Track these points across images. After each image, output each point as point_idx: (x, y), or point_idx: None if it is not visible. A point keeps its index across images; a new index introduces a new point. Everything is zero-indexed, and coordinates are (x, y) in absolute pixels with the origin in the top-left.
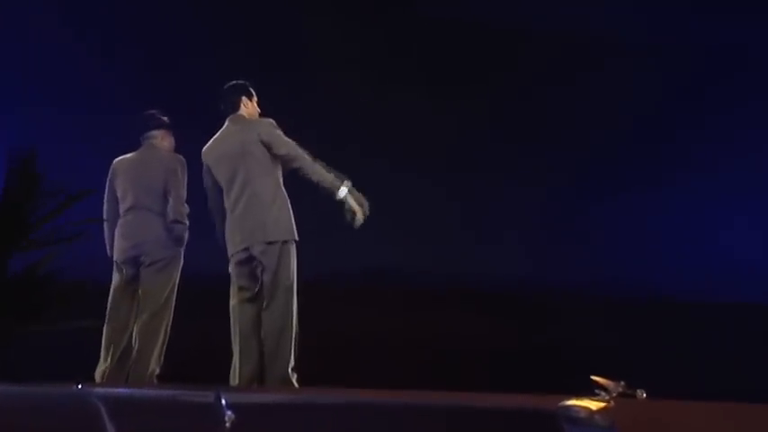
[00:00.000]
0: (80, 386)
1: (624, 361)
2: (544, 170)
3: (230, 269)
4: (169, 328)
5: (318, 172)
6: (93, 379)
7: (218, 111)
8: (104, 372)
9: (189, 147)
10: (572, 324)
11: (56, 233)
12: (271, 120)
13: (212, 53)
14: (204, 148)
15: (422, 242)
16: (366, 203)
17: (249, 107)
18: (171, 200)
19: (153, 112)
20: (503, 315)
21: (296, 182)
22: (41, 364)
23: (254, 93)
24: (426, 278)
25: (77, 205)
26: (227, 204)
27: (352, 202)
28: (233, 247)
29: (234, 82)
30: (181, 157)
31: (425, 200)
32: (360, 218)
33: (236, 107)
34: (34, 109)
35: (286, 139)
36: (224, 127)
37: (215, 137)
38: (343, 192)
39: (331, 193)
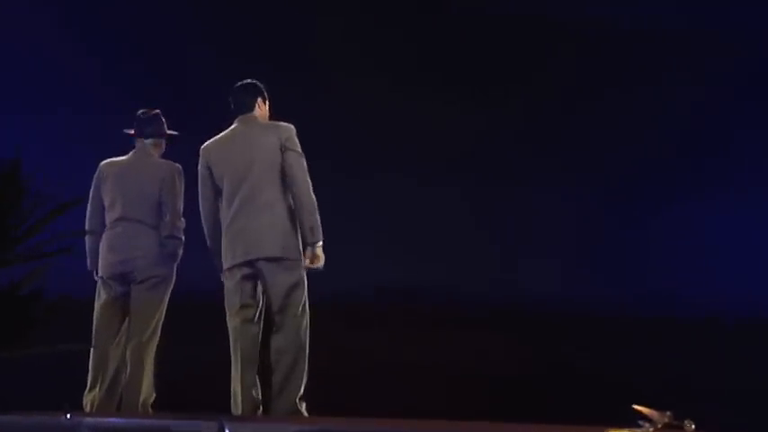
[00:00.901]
0: (69, 416)
1: (670, 388)
2: (578, 179)
3: (228, 284)
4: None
5: (312, 209)
6: (81, 407)
7: (210, 112)
8: (93, 399)
9: (177, 149)
10: (610, 347)
11: (42, 246)
12: (292, 126)
13: (213, 51)
14: (206, 145)
15: (440, 258)
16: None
17: (263, 109)
18: (166, 213)
19: (156, 112)
20: (532, 337)
21: None
22: (25, 391)
23: (266, 96)
24: (446, 297)
25: (65, 215)
26: (227, 210)
27: (321, 254)
28: (234, 258)
29: (249, 81)
30: (178, 165)
31: (444, 211)
32: (319, 268)
33: (251, 108)
34: (19, 110)
35: (301, 154)
36: (233, 127)
37: (221, 136)
38: (320, 243)
39: (309, 236)
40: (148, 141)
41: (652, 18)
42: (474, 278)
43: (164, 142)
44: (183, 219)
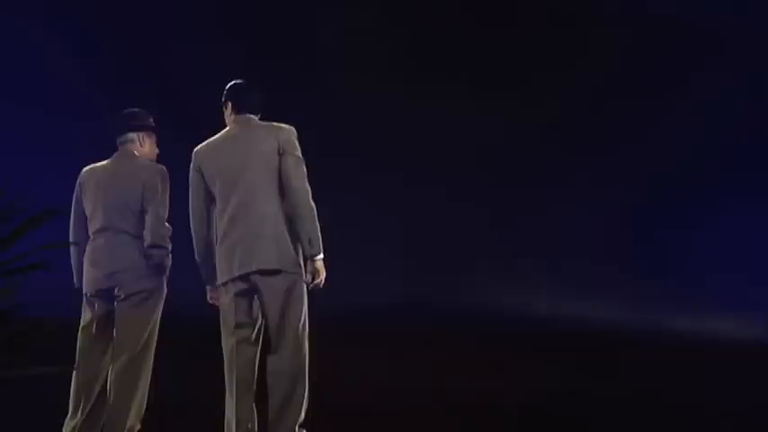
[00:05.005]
0: None
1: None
2: (613, 187)
3: (223, 301)
4: (150, 375)
5: (311, 219)
6: None
7: (206, 112)
8: (74, 428)
9: (171, 148)
10: (650, 372)
11: (15, 261)
12: (293, 128)
13: (208, 45)
14: (200, 147)
15: (459, 272)
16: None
17: (260, 113)
18: (148, 220)
19: (134, 110)
20: (560, 361)
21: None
22: None
23: None
24: (463, 316)
25: (41, 227)
26: (220, 220)
27: (322, 268)
28: (229, 272)
29: (252, 83)
30: (162, 167)
31: (462, 224)
32: (320, 283)
33: (258, 109)
34: None
35: (300, 159)
36: (230, 128)
37: (216, 137)
38: (321, 255)
39: (308, 248)
40: (130, 137)
41: (693, 17)
42: (497, 295)
43: (151, 140)
44: (168, 225)
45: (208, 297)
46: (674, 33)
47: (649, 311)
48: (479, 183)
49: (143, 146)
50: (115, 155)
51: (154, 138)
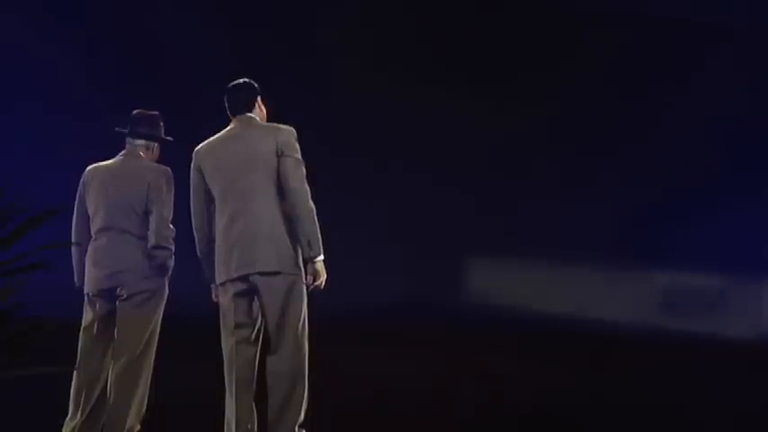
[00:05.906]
0: None
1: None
2: (613, 186)
3: (222, 301)
4: (150, 376)
5: (310, 221)
6: None
7: (209, 111)
8: (74, 428)
9: (171, 148)
10: (650, 372)
11: (15, 261)
12: (293, 129)
13: (212, 43)
14: (200, 147)
15: (459, 272)
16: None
17: (262, 110)
18: (153, 221)
19: (153, 113)
20: (560, 361)
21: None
22: None
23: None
24: (464, 316)
25: (42, 227)
26: (219, 220)
27: (322, 269)
28: (228, 273)
29: (245, 80)
30: (167, 168)
31: (462, 221)
32: (320, 285)
33: (250, 108)
34: None
35: (299, 161)
36: (229, 128)
37: (215, 137)
38: (321, 257)
39: (307, 250)
40: (139, 143)
41: (694, 18)
42: (500, 295)
43: (156, 146)
44: (172, 227)
45: (213, 295)
46: (674, 33)
47: (649, 311)
48: (480, 183)
49: (153, 153)
50: (120, 154)
51: (160, 147)
